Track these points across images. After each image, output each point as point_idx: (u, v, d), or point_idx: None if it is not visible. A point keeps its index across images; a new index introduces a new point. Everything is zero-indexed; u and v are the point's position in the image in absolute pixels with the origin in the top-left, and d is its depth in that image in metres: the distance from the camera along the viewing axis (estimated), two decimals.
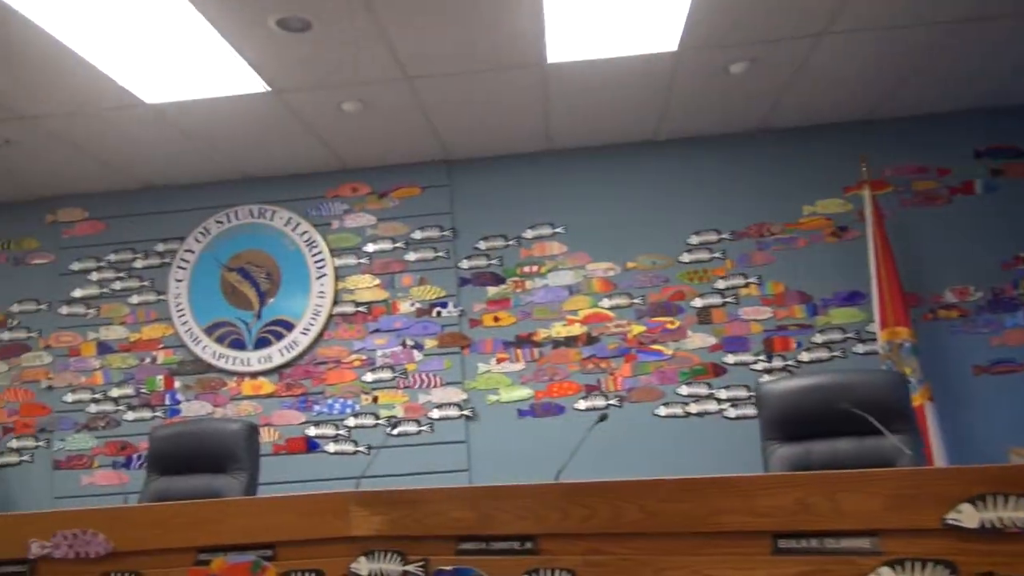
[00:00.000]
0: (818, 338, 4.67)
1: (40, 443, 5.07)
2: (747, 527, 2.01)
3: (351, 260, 5.06)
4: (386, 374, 4.89)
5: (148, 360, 5.08)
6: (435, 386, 4.85)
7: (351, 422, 4.85)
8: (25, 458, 5.06)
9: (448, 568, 2.29)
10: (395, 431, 4.79)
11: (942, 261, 4.66)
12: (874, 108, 4.66)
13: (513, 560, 2.23)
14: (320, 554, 2.43)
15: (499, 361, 4.86)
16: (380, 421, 4.83)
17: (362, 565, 2.39)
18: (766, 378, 4.64)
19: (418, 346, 4.91)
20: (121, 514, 2.66)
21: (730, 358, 4.71)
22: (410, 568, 2.34)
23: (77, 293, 5.21)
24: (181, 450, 3.60)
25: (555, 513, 2.20)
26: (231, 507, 2.62)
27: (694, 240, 4.86)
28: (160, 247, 5.20)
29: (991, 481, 1.81)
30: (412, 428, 4.79)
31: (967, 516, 1.82)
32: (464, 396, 4.82)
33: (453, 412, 4.80)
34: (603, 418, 2.71)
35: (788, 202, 4.81)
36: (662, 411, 4.68)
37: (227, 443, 3.57)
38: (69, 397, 5.07)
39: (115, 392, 5.05)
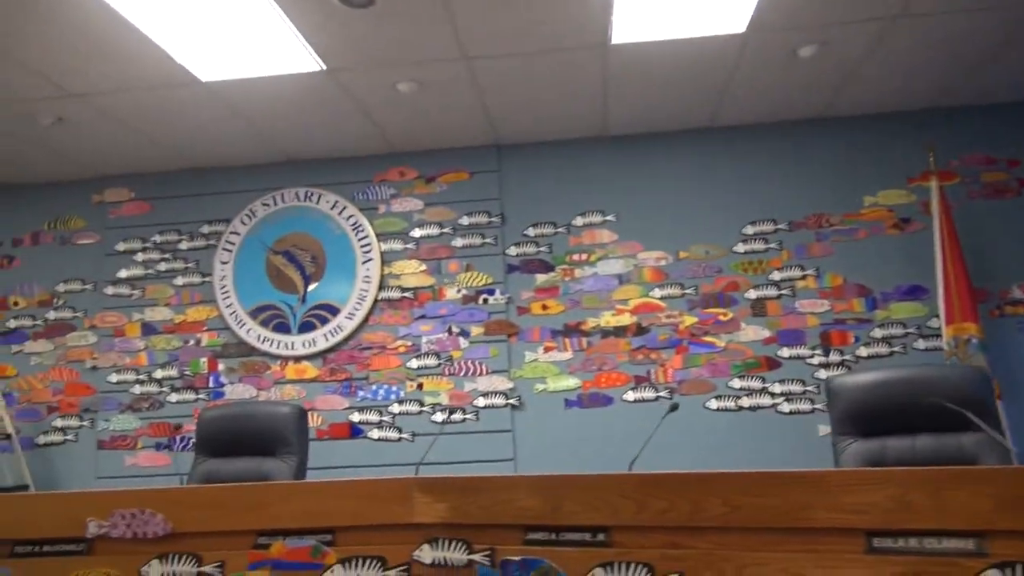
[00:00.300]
0: (877, 333, 4.52)
1: (84, 423, 5.07)
2: (839, 524, 1.91)
3: (397, 245, 4.99)
4: (431, 361, 4.82)
5: (192, 342, 5.05)
6: (481, 374, 4.77)
7: (395, 408, 4.79)
8: (69, 437, 5.06)
9: (516, 558, 2.21)
10: (440, 419, 4.72)
11: (1010, 256, 4.49)
12: (942, 96, 4.49)
13: (585, 552, 2.14)
14: (381, 540, 2.35)
15: (547, 350, 4.77)
16: (425, 408, 4.77)
17: (425, 553, 2.31)
18: (823, 373, 4.51)
19: (464, 333, 4.84)
20: (180, 495, 2.61)
21: (785, 352, 4.58)
22: (476, 557, 2.26)
23: (122, 274, 5.19)
24: (230, 432, 3.56)
25: (631, 505, 2.11)
26: (291, 490, 2.56)
27: (749, 230, 4.73)
28: (206, 229, 5.17)
29: None
30: (457, 416, 4.72)
31: None
32: (510, 385, 4.74)
33: (499, 401, 4.72)
34: (674, 407, 2.61)
35: (849, 192, 4.66)
36: (713, 404, 4.56)
37: (277, 426, 3.52)
38: (113, 377, 5.06)
39: (159, 373, 5.03)
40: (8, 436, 4.81)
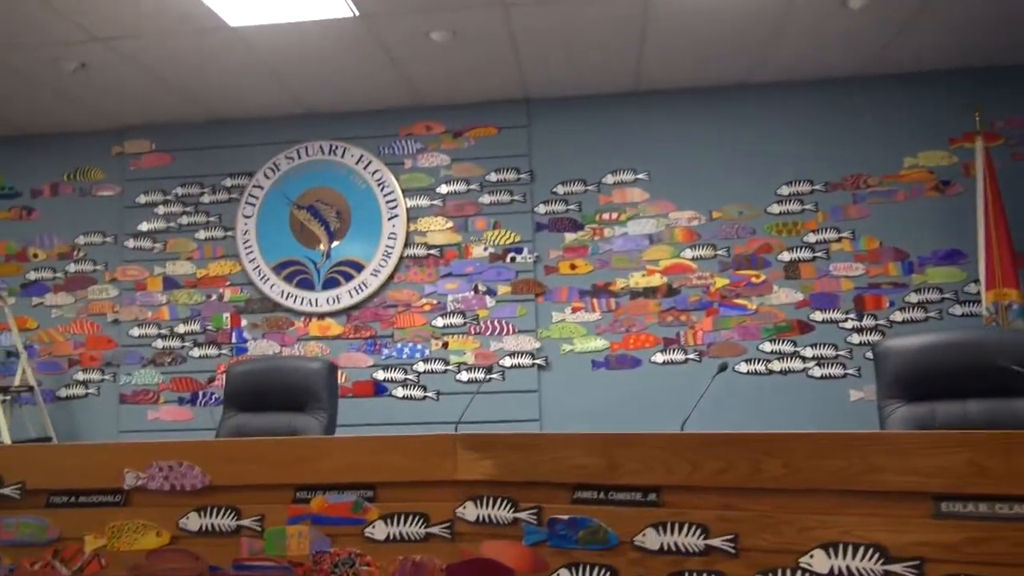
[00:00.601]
0: (913, 297, 4.43)
1: (106, 377, 5.04)
2: (906, 487, 1.84)
3: (423, 201, 4.90)
4: (457, 319, 4.76)
5: (215, 297, 5.00)
6: (507, 333, 4.71)
7: (420, 367, 4.74)
8: (91, 391, 5.04)
9: (564, 517, 2.16)
10: (466, 379, 4.67)
11: None
12: (990, 56, 4.35)
13: (636, 511, 2.08)
14: (424, 497, 2.31)
15: (574, 310, 4.70)
16: (450, 367, 4.72)
17: (469, 510, 2.26)
18: (856, 338, 4.44)
19: (491, 292, 4.77)
20: (218, 448, 2.57)
21: (818, 315, 4.50)
22: (522, 515, 2.21)
23: (143, 227, 5.13)
24: (260, 387, 3.51)
25: (685, 465, 2.05)
26: (331, 445, 2.51)
27: (785, 191, 4.62)
28: (228, 182, 5.09)
29: None
30: (482, 376, 4.67)
31: None
32: (537, 345, 4.68)
33: (526, 361, 4.67)
34: (723, 368, 2.54)
35: (888, 153, 4.54)
36: (743, 367, 4.50)
37: (307, 381, 3.48)
38: (135, 332, 5.02)
39: (181, 328, 4.99)
40: (31, 389, 4.79)
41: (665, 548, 2.03)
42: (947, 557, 1.76)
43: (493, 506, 2.25)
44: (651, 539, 2.04)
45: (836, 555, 1.85)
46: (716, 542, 1.98)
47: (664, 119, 4.76)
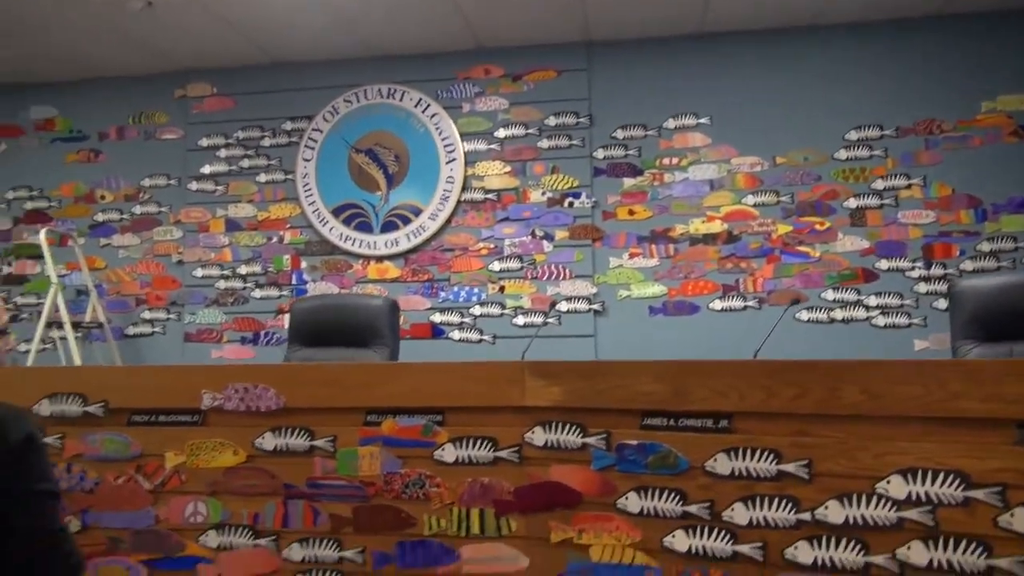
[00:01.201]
0: (985, 246, 4.31)
1: (171, 316, 5.18)
2: (989, 414, 1.81)
3: (481, 145, 4.89)
4: (514, 264, 4.77)
5: (275, 239, 5.08)
6: (564, 278, 4.71)
7: (476, 311, 4.77)
8: (157, 329, 5.18)
9: (633, 442, 2.17)
10: (522, 322, 4.69)
11: None
12: None
13: (707, 437, 2.09)
14: (492, 422, 2.34)
15: (632, 256, 4.67)
16: (506, 311, 4.74)
17: (537, 435, 2.29)
18: (923, 287, 4.34)
19: (548, 237, 4.76)
20: (293, 371, 2.63)
21: (883, 263, 4.40)
22: (591, 440, 2.22)
23: (206, 169, 5.21)
24: (325, 323, 3.57)
25: (759, 392, 2.04)
26: (402, 370, 2.56)
27: (853, 136, 4.50)
28: (288, 125, 5.13)
29: None
30: (538, 320, 4.69)
31: None
32: (594, 290, 4.67)
33: (582, 306, 4.66)
34: (796, 301, 2.51)
35: (965, 97, 4.38)
36: (804, 315, 4.43)
37: (370, 318, 3.53)
38: (199, 272, 5.14)
39: (243, 269, 5.08)
40: (100, 325, 4.94)
41: (736, 473, 2.03)
42: None
43: (561, 431, 2.27)
44: (722, 464, 2.04)
45: (914, 481, 1.83)
46: (789, 467, 1.97)
47: (728, 62, 4.66)
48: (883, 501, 1.85)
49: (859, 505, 1.87)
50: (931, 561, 1.78)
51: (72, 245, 5.07)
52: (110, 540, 2.45)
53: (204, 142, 5.22)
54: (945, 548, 1.78)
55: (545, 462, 2.26)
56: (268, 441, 2.42)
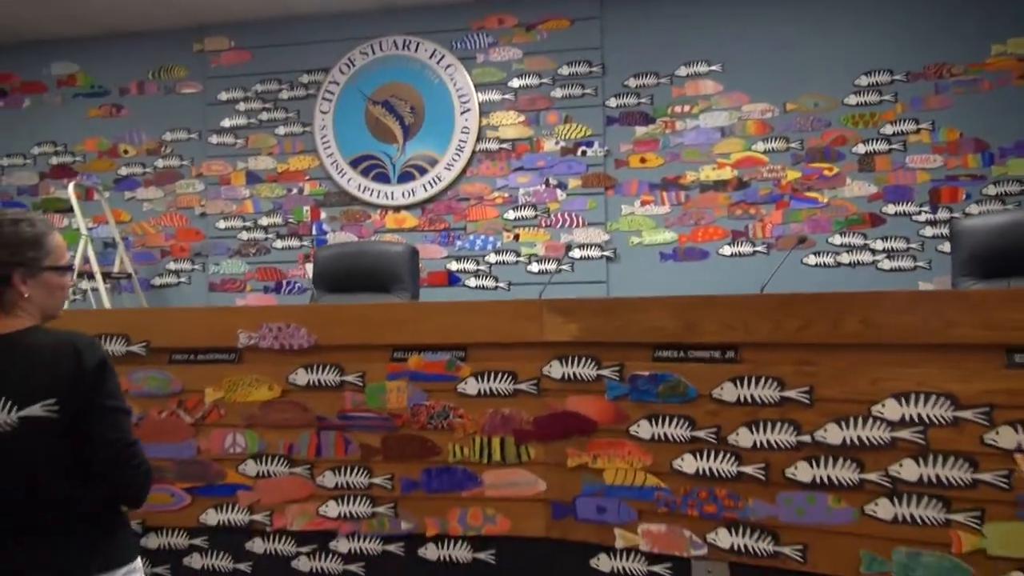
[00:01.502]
0: (991, 190, 4.37)
1: (196, 266, 5.33)
2: (980, 340, 1.93)
3: (495, 96, 4.96)
4: (528, 212, 4.88)
5: (295, 191, 5.20)
6: (577, 226, 4.82)
7: (492, 258, 4.90)
8: (183, 280, 5.34)
9: (645, 373, 2.30)
10: (536, 269, 4.81)
11: None
12: None
13: (715, 368, 2.22)
14: (512, 357, 2.48)
15: (644, 203, 4.77)
16: (521, 258, 4.86)
17: (555, 368, 2.43)
18: (929, 231, 4.42)
19: (561, 185, 4.85)
20: (323, 311, 2.78)
21: (890, 208, 4.48)
22: (605, 372, 2.36)
23: (225, 123, 5.31)
24: (347, 269, 3.70)
25: (766, 324, 2.16)
26: (426, 309, 2.70)
27: (863, 81, 4.54)
28: (305, 78, 5.21)
29: None
30: (552, 267, 4.81)
31: None
32: (606, 237, 4.78)
33: (595, 253, 4.78)
34: (803, 240, 2.62)
35: (975, 40, 4.40)
36: (811, 260, 4.53)
37: (391, 264, 3.66)
38: (221, 224, 5.27)
39: (264, 221, 5.21)
40: (129, 276, 5.10)
41: (741, 400, 2.16)
42: (1018, 403, 1.85)
43: (577, 364, 2.41)
44: (728, 392, 2.18)
45: (907, 403, 1.96)
46: (791, 394, 2.10)
47: (740, 8, 4.68)
48: (878, 423, 1.98)
49: (856, 427, 2.01)
50: (921, 477, 1.93)
51: (98, 199, 5.21)
52: (156, 470, 2.62)
53: (223, 96, 5.32)
54: (934, 464, 1.91)
55: (562, 393, 2.41)
56: (301, 377, 2.57)
